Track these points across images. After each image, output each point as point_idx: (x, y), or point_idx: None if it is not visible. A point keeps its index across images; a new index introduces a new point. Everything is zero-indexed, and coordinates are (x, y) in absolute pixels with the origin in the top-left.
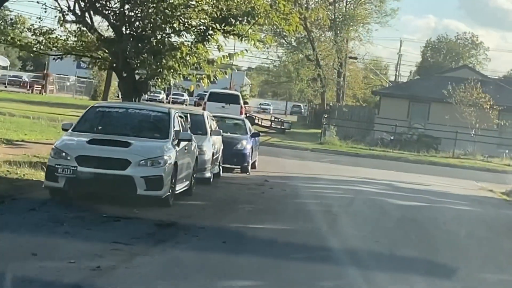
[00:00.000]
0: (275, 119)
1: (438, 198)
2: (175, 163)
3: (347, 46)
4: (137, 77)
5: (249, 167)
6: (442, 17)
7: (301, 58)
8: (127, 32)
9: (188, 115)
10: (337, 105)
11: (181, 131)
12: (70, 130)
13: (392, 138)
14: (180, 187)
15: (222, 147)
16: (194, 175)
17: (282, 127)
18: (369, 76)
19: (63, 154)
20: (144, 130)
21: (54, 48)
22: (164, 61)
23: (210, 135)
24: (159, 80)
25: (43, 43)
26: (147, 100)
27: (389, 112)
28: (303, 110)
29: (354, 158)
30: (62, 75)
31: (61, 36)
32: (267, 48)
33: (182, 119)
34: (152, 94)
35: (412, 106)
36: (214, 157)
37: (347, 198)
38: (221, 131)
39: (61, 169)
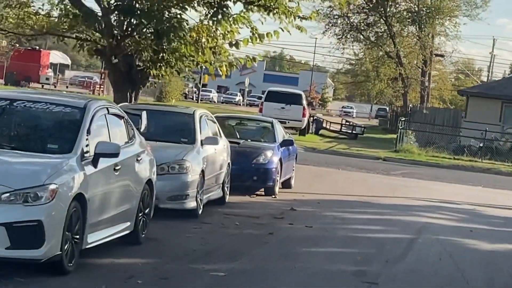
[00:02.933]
0: (346, 123)
1: None
2: (79, 195)
3: (432, 42)
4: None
5: (276, 188)
6: None
7: (381, 56)
8: (114, 3)
9: (144, 112)
10: (418, 107)
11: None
12: None
13: (481, 145)
14: (98, 238)
15: (228, 161)
16: (146, 212)
17: (354, 131)
18: (458, 76)
19: None
20: (26, 139)
21: (30, 26)
22: (167, 42)
23: (202, 144)
24: (163, 68)
25: (18, 17)
26: (222, 102)
27: (478, 115)
28: (388, 114)
29: (434, 170)
30: None
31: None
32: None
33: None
34: (228, 94)
35: (506, 108)
36: (208, 177)
37: (402, 242)
38: (218, 138)
39: None
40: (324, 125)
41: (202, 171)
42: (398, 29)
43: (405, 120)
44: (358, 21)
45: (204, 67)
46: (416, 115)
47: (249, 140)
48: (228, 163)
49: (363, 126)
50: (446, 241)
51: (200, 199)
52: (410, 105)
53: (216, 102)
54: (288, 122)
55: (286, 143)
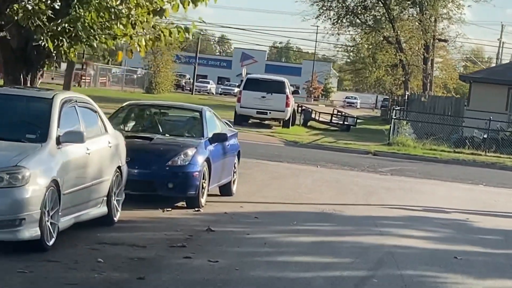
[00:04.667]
0: (338, 114)
1: None
2: None
3: (435, 26)
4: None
5: (202, 198)
6: None
7: (379, 41)
8: None
9: None
10: (416, 95)
11: None
12: None
13: (485, 136)
14: None
15: (119, 164)
16: None
17: (346, 123)
18: (466, 64)
19: None
20: None
21: None
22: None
23: (58, 142)
24: (65, 42)
25: None
26: (220, 94)
27: (482, 102)
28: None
29: (430, 166)
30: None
31: None
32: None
33: None
34: (227, 84)
35: None
36: (71, 190)
37: (347, 285)
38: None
39: None
40: (312, 115)
41: (55, 181)
42: (398, 12)
43: (400, 109)
44: (354, 4)
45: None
46: (413, 104)
47: (167, 135)
48: (119, 167)
49: (355, 116)
50: (415, 280)
51: (52, 222)
52: (407, 93)
53: (214, 93)
54: (270, 112)
55: (218, 138)
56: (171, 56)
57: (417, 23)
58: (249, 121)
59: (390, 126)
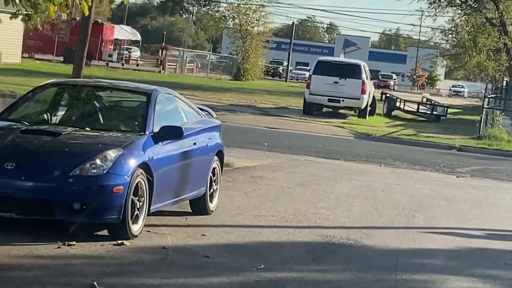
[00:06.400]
0: (427, 102)
1: None
2: None
3: None
4: None
5: (132, 225)
6: None
7: (481, 23)
8: None
9: None
10: None
11: None
12: None
13: None
14: None
15: None
16: None
17: (435, 112)
18: None
19: None
20: None
21: None
22: None
23: None
24: None
25: None
26: (377, 86)
27: None
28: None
29: None
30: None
31: None
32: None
33: None
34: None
35: None
36: None
37: None
38: None
39: None
40: (397, 104)
41: None
42: None
43: (495, 97)
44: None
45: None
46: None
47: (87, 129)
48: None
49: (446, 105)
50: None
51: None
52: (505, 80)
53: None
54: (343, 100)
55: (169, 133)
56: (260, 41)
57: None
58: (323, 110)
59: (481, 117)
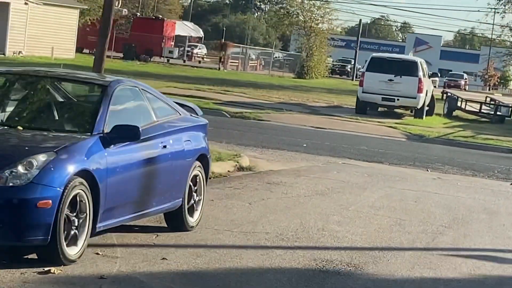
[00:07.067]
0: (491, 102)
1: None
2: None
3: None
4: None
5: (67, 248)
6: None
7: None
8: None
9: None
10: None
11: None
12: None
13: None
14: None
15: None
16: None
17: (499, 113)
18: None
19: None
20: None
21: None
22: None
23: None
24: None
25: None
26: (447, 86)
27: None
28: None
29: None
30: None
31: None
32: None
33: None
34: (450, 76)
35: None
36: None
37: None
38: None
39: None
40: (459, 104)
41: None
42: None
43: None
44: None
45: None
46: None
47: (19, 128)
48: None
49: (511, 105)
50: None
51: None
52: None
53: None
54: (398, 99)
55: (122, 133)
56: (325, 38)
57: None
58: (378, 109)
59: None
